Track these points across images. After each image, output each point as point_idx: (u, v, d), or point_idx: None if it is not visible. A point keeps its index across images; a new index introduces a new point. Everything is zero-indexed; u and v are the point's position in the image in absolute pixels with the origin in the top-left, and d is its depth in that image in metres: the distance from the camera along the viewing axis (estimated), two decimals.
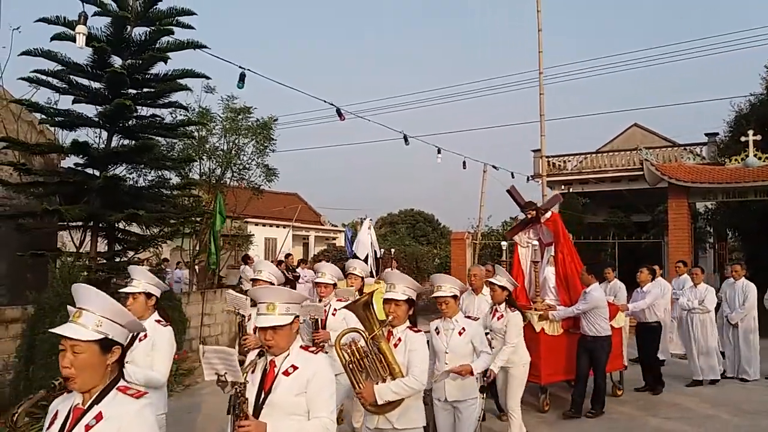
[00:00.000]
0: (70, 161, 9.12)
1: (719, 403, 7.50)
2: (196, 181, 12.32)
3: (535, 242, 7.36)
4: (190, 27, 8.70)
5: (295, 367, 2.70)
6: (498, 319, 5.54)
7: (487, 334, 5.03)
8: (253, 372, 2.75)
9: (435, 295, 4.30)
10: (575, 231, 18.09)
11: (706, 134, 20.87)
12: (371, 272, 15.02)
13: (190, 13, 8.59)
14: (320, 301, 5.33)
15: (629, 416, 6.95)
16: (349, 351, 3.44)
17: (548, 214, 7.65)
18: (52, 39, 8.01)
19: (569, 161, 23.48)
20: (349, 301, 4.06)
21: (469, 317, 4.45)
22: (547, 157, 17.79)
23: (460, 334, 4.27)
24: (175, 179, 11.26)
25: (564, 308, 7.20)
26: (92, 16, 7.56)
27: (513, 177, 19.50)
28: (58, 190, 8.36)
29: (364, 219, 14.99)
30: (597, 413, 6.79)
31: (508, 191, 8.22)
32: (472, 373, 4.20)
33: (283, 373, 2.69)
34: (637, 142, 22.23)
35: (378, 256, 14.89)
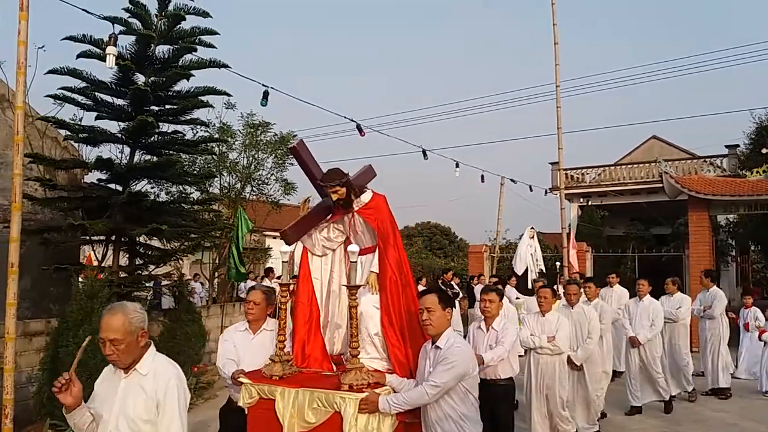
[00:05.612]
0: (93, 176, 9.29)
1: (744, 417, 7.53)
2: (217, 195, 12.45)
3: (354, 248, 3.72)
4: (211, 46, 8.88)
5: None
6: None
7: None
8: None
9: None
10: (595, 244, 18.01)
11: (727, 146, 20.69)
12: (526, 289, 12.04)
13: (212, 32, 8.75)
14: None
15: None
16: None
17: (367, 196, 4.16)
18: (78, 57, 8.22)
19: (587, 174, 23.37)
20: None
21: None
22: (565, 169, 17.69)
23: None
24: (195, 194, 11.44)
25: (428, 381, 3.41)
26: (117, 34, 7.73)
27: (531, 190, 19.50)
28: (82, 205, 8.49)
29: (527, 228, 13.01)
30: None
31: (291, 149, 4.70)
32: None
33: None
34: (656, 155, 22.08)
35: (539, 269, 12.73)
